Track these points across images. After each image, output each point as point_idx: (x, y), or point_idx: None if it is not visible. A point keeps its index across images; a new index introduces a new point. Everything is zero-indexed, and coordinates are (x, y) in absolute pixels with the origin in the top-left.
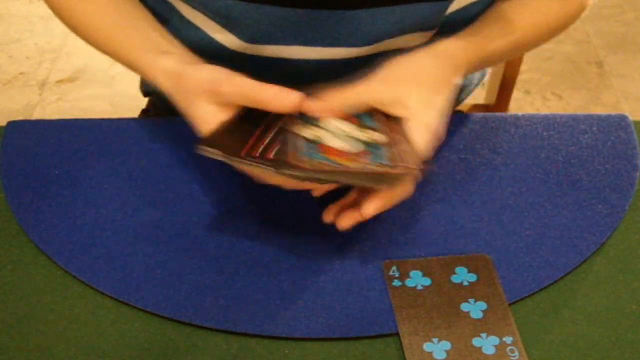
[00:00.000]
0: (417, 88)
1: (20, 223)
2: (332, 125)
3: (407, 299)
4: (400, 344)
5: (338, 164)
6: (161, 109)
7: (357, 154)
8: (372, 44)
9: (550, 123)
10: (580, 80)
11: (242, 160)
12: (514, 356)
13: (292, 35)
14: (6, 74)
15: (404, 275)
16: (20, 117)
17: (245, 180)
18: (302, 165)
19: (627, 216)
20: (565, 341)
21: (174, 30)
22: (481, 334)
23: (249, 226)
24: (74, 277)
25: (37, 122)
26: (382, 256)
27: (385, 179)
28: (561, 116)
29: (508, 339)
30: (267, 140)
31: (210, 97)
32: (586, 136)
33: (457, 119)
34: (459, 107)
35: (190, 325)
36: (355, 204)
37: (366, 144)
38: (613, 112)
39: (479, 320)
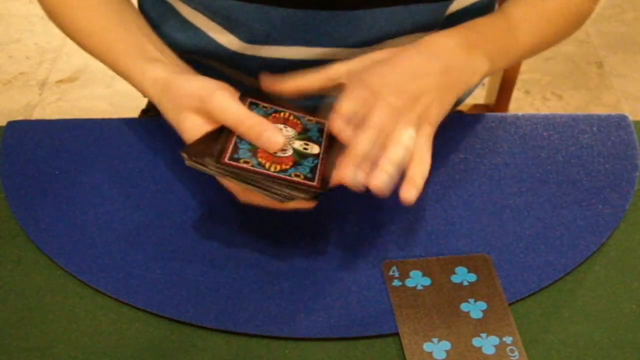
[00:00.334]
0: (391, 69)
1: (20, 223)
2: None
3: (407, 299)
4: (400, 344)
5: (261, 165)
6: None
7: (283, 159)
8: (372, 44)
9: (550, 123)
10: (580, 80)
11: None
12: (514, 356)
13: (291, 36)
14: (6, 74)
15: (404, 275)
16: (20, 117)
17: None
18: (232, 164)
19: (627, 216)
20: (565, 341)
21: (173, 31)
22: (481, 334)
23: (249, 226)
24: (74, 277)
25: (37, 122)
26: (382, 256)
27: (291, 189)
28: (561, 116)
29: (508, 339)
30: (231, 146)
31: (197, 110)
32: (586, 136)
33: (457, 119)
34: (459, 107)
35: (190, 325)
36: None
37: (297, 152)
38: (613, 112)
39: (479, 320)
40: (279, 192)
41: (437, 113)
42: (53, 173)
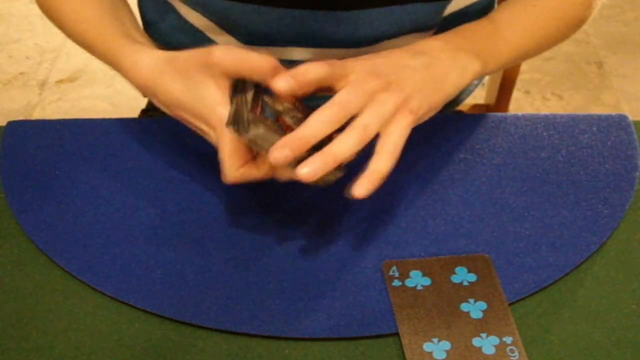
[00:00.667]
0: (372, 57)
1: (20, 223)
2: (287, 106)
3: (407, 299)
4: (400, 344)
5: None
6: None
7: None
8: (370, 45)
9: (550, 123)
10: (580, 80)
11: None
12: (514, 356)
13: (289, 37)
14: (6, 74)
15: (404, 275)
16: (20, 117)
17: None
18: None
19: (627, 216)
20: (565, 341)
21: (172, 31)
22: (481, 334)
23: (249, 226)
24: (74, 277)
25: (37, 122)
26: (382, 256)
27: None
28: (561, 116)
29: (508, 339)
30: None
31: (205, 70)
32: (586, 136)
33: (457, 119)
34: (459, 107)
35: (190, 325)
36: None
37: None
38: (613, 112)
39: (479, 320)
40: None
41: (420, 105)
42: (53, 173)
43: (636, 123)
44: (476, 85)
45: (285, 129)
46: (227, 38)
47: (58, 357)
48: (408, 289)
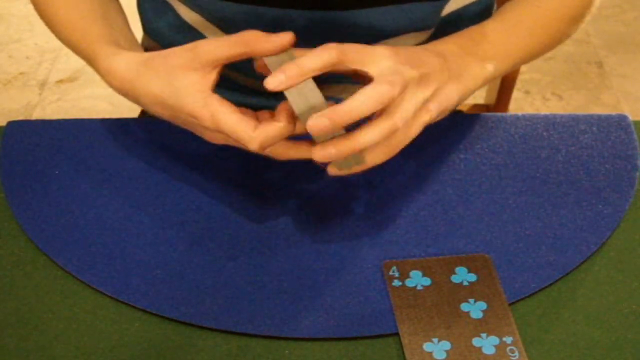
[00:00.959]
0: (393, 53)
1: (20, 223)
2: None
3: (407, 299)
4: (400, 344)
5: None
6: None
7: None
8: (368, 44)
9: (550, 123)
10: (580, 80)
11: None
12: (514, 356)
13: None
14: (6, 74)
15: (404, 275)
16: (20, 117)
17: (246, 181)
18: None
19: (627, 216)
20: (565, 341)
21: (171, 32)
22: (481, 334)
23: (248, 226)
24: (74, 277)
25: (37, 122)
26: (382, 256)
27: None
28: (561, 116)
29: (508, 339)
30: None
31: (190, 62)
32: (586, 136)
33: (457, 119)
34: (459, 107)
35: (190, 325)
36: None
37: None
38: (613, 112)
39: (479, 320)
40: None
41: (438, 105)
42: (53, 173)
43: (636, 123)
44: None
45: None
46: (219, 35)
47: (58, 357)
48: (408, 289)
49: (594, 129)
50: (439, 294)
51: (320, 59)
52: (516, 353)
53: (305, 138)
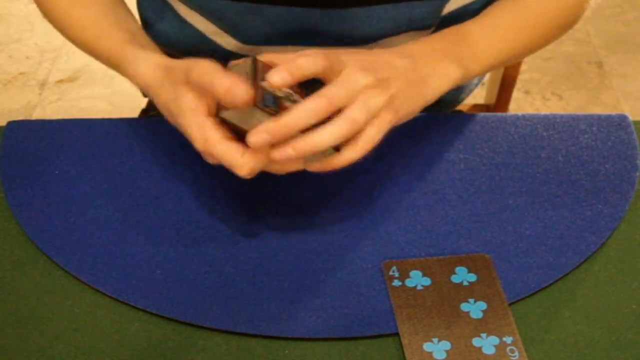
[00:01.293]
0: (363, 53)
1: (20, 223)
2: (287, 91)
3: (407, 299)
4: (400, 344)
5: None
6: None
7: None
8: (367, 43)
9: (550, 123)
10: (580, 80)
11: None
12: (514, 356)
13: (286, 35)
14: (6, 74)
15: (404, 275)
16: (20, 117)
17: (246, 181)
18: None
19: (627, 216)
20: (565, 341)
21: (171, 31)
22: (481, 334)
23: (249, 226)
24: (74, 277)
25: (37, 122)
26: (382, 256)
27: None
28: (561, 116)
29: (508, 339)
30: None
31: (187, 83)
32: (586, 136)
33: (457, 119)
34: (459, 107)
35: (190, 325)
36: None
37: None
38: (613, 112)
39: (479, 320)
40: None
41: (402, 106)
42: (53, 173)
43: (636, 123)
44: (476, 85)
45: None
46: (226, 38)
47: (58, 357)
48: (408, 289)
49: (594, 129)
50: (439, 294)
51: (308, 69)
52: (516, 353)
53: None
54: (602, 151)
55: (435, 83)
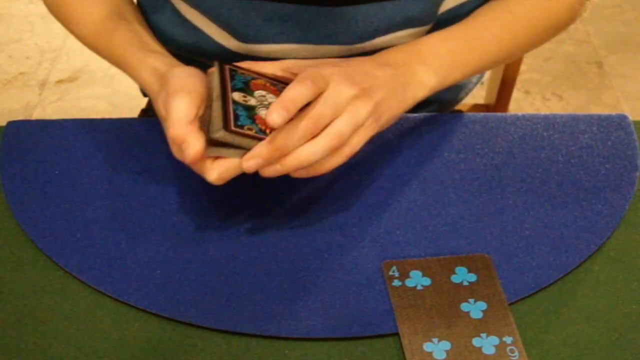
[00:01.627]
0: (344, 64)
1: (20, 223)
2: (259, 95)
3: (407, 299)
4: (400, 344)
5: (262, 132)
6: None
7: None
8: (364, 41)
9: (550, 123)
10: (580, 80)
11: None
12: (514, 356)
13: (282, 33)
14: (6, 74)
15: (403, 275)
16: (20, 117)
17: (246, 181)
18: (240, 132)
19: (627, 216)
20: (565, 341)
21: (171, 29)
22: (481, 334)
23: (249, 226)
24: (74, 277)
25: (37, 122)
26: (382, 256)
27: None
28: (561, 116)
29: (508, 339)
30: (231, 113)
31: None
32: (586, 136)
33: (457, 119)
34: (459, 107)
35: (190, 325)
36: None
37: None
38: (613, 112)
39: (479, 320)
40: None
41: (383, 114)
42: (53, 173)
43: (636, 123)
44: (475, 84)
45: (262, 125)
46: (224, 35)
47: (58, 357)
48: (408, 289)
49: (594, 129)
50: (439, 294)
51: (302, 99)
52: (516, 353)
53: None
54: (602, 151)
55: (413, 91)
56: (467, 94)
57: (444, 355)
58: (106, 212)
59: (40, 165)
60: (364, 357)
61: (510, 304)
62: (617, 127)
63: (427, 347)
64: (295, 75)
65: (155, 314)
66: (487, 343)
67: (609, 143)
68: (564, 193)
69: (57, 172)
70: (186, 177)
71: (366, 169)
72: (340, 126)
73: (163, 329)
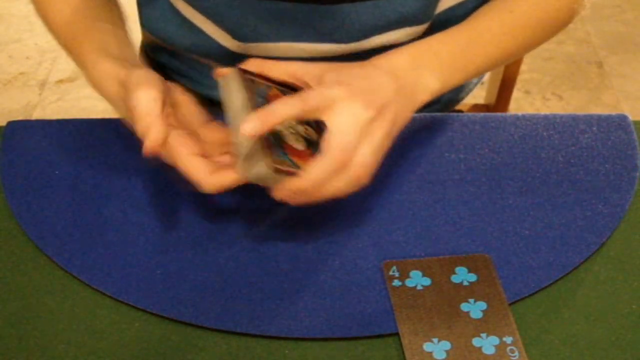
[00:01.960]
0: (349, 95)
1: (20, 223)
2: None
3: (407, 299)
4: (400, 344)
5: (296, 165)
6: None
7: (304, 152)
8: (360, 39)
9: (550, 123)
10: (580, 80)
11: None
12: (514, 356)
13: (279, 31)
14: (6, 74)
15: (404, 275)
16: (20, 117)
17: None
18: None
19: (627, 216)
20: (565, 341)
21: (162, 18)
22: (481, 334)
23: (249, 226)
24: (74, 277)
25: (37, 122)
26: (382, 256)
27: None
28: (561, 116)
29: (508, 339)
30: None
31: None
32: (586, 136)
33: (457, 119)
34: (459, 107)
35: (190, 325)
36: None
37: (309, 142)
38: (613, 112)
39: (479, 320)
40: None
41: (397, 125)
42: (53, 173)
43: (636, 123)
44: (475, 84)
45: (292, 156)
46: (222, 34)
47: (58, 357)
48: (408, 289)
49: (594, 129)
50: (439, 294)
51: (285, 112)
52: (516, 353)
53: None
54: (602, 151)
55: (419, 96)
56: (467, 93)
57: (444, 355)
58: (106, 212)
59: (40, 165)
60: (364, 357)
61: (510, 304)
62: (617, 127)
63: (427, 347)
64: (302, 82)
65: (155, 314)
66: (487, 343)
67: (609, 143)
68: (564, 193)
69: (57, 172)
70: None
71: None
72: (365, 157)
73: (163, 329)
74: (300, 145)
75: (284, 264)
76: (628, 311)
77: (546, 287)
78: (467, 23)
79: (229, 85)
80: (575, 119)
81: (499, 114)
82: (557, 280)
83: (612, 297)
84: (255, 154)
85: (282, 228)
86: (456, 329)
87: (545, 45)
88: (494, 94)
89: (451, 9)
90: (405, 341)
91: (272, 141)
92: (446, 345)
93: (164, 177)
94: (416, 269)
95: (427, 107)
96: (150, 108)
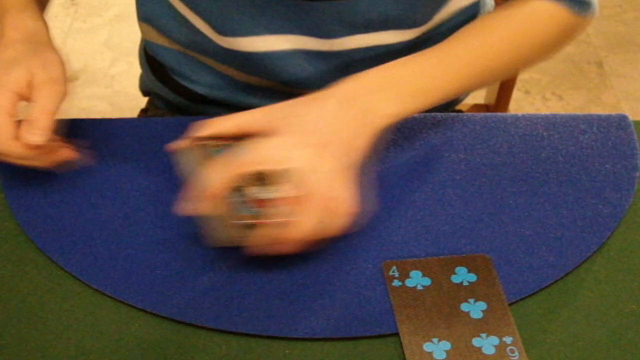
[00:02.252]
0: (302, 139)
1: (20, 223)
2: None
3: (407, 299)
4: (400, 344)
5: (258, 213)
6: (161, 108)
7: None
8: (342, 36)
9: (550, 123)
10: (580, 80)
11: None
12: (514, 356)
13: (260, 24)
14: None
15: (404, 275)
16: (20, 117)
17: None
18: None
19: (627, 216)
20: (565, 341)
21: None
22: (481, 334)
23: None
24: (74, 277)
25: None
26: (382, 256)
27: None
28: (561, 116)
29: (508, 339)
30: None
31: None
32: (586, 136)
33: (457, 119)
34: (459, 107)
35: (190, 325)
36: None
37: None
38: (613, 112)
39: (479, 320)
40: None
41: (352, 154)
42: (53, 173)
43: (636, 123)
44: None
45: (253, 204)
46: (203, 24)
47: (58, 357)
48: (408, 289)
49: (594, 129)
50: (439, 294)
51: (221, 182)
52: (516, 353)
53: None
54: (602, 151)
55: (375, 120)
56: (467, 95)
57: (444, 355)
58: (106, 212)
59: None
60: (364, 357)
61: (510, 304)
62: (617, 127)
63: (427, 347)
64: (249, 132)
65: (155, 314)
66: (487, 343)
67: (609, 143)
68: (564, 193)
69: (57, 172)
70: None
71: (366, 169)
72: (329, 190)
73: (163, 329)
74: (268, 194)
75: (284, 264)
76: (628, 311)
77: (546, 287)
78: (440, 44)
79: (184, 157)
80: (575, 119)
81: (499, 114)
82: (557, 281)
83: (612, 297)
84: (218, 221)
85: None
86: (456, 329)
87: None
88: (494, 93)
89: (447, 20)
90: (405, 341)
91: (237, 201)
92: (446, 345)
93: (164, 177)
94: (416, 269)
95: None
96: (53, 114)
